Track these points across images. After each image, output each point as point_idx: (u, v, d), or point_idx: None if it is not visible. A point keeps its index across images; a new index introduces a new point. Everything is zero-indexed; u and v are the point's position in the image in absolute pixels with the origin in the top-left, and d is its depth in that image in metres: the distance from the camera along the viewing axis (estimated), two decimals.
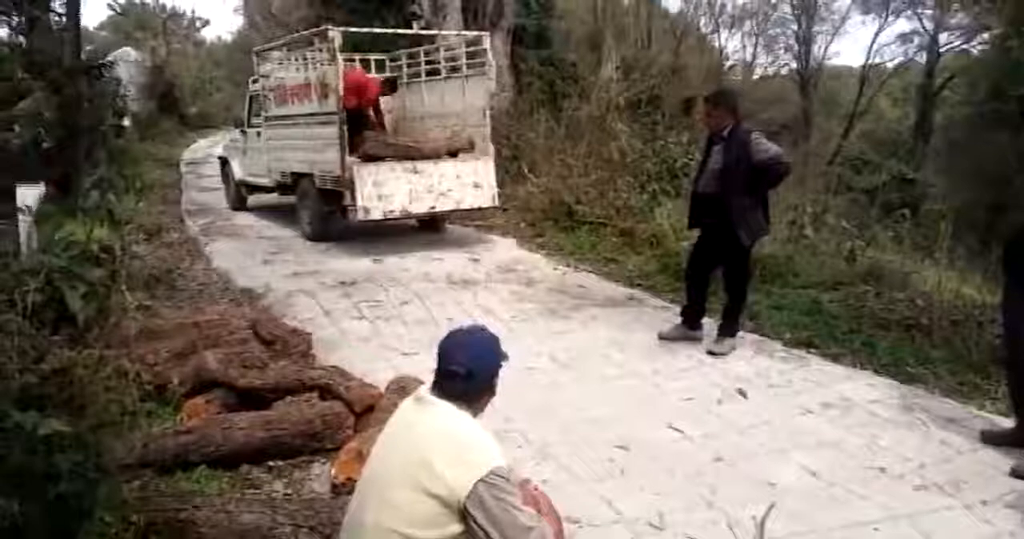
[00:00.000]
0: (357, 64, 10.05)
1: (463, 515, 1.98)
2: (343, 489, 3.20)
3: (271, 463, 3.65)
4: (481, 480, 1.96)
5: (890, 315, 5.64)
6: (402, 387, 3.90)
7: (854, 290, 6.26)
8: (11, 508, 2.30)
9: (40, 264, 3.47)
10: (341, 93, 8.08)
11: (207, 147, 20.69)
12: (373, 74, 10.11)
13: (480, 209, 8.93)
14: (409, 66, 10.33)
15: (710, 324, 5.41)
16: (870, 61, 30.43)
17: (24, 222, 4.72)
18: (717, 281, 5.41)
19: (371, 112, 9.61)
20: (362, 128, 8.92)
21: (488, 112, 8.95)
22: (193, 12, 41.31)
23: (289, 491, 3.44)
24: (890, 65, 31.36)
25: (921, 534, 3.03)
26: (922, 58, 29.13)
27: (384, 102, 10.02)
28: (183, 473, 3.47)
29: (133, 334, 4.38)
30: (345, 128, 8.14)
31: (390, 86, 9.74)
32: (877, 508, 3.22)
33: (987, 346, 4.98)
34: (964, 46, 26.45)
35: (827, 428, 4.01)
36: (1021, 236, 3.83)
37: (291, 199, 9.95)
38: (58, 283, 3.44)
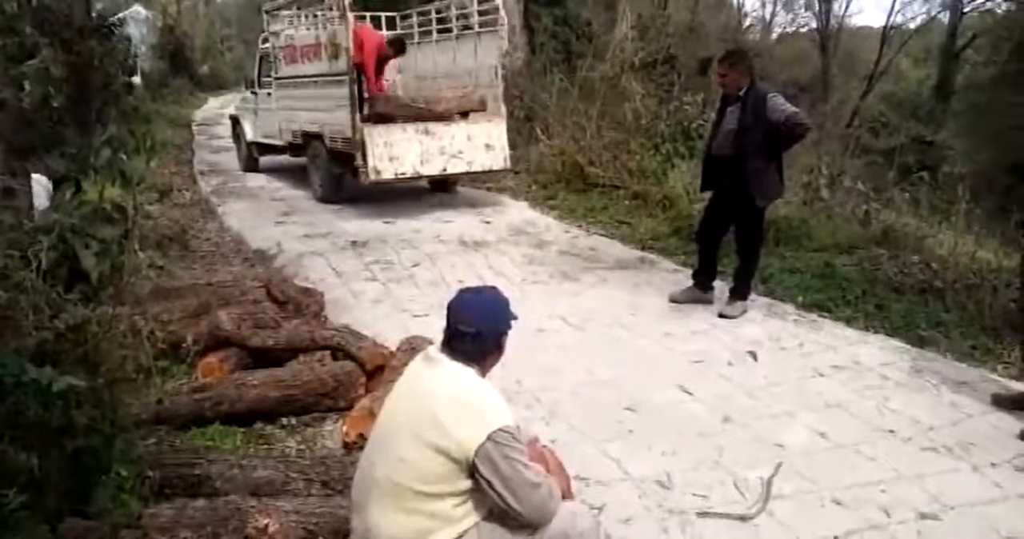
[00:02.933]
0: (367, 22, 9.90)
1: (472, 471, 2.01)
2: (354, 446, 3.24)
3: (284, 420, 3.71)
4: (489, 438, 1.98)
5: (904, 279, 5.61)
6: (413, 347, 3.93)
7: (868, 253, 6.22)
8: (29, 462, 2.34)
9: (53, 222, 3.49)
10: (352, 52, 7.98)
11: (219, 108, 20.62)
12: (383, 32, 9.79)
13: (492, 171, 8.87)
14: (420, 24, 10.18)
15: (722, 287, 5.39)
16: (891, 20, 29.74)
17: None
18: (729, 244, 5.38)
19: (370, 71, 8.76)
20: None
21: (500, 72, 8.83)
22: None
23: (302, 448, 3.49)
24: (912, 24, 30.65)
25: (928, 495, 3.05)
26: (945, 17, 28.43)
27: (394, 63, 9.82)
28: (197, 429, 3.53)
29: (146, 293, 4.41)
30: (356, 88, 8.06)
31: (397, 47, 8.93)
32: (885, 469, 3.24)
33: (1001, 310, 4.95)
34: (988, 5, 25.77)
35: (837, 390, 4.01)
36: None
37: (303, 160, 9.93)
38: (71, 241, 3.46)
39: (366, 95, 8.44)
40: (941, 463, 3.31)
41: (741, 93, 4.85)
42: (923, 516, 2.92)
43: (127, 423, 2.90)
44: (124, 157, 3.95)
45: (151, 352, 3.67)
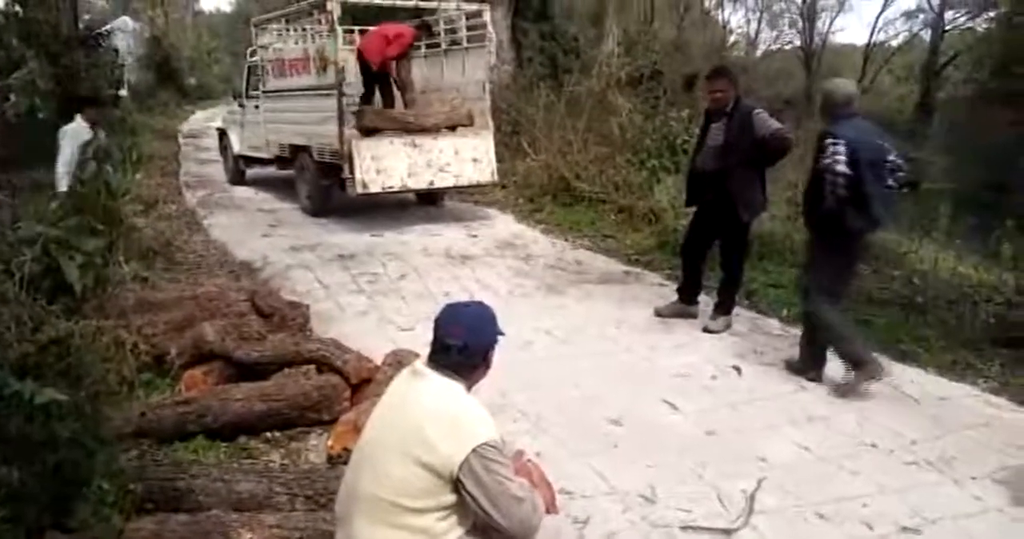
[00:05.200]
0: (356, 36, 9.94)
1: (456, 486, 2.01)
2: (339, 460, 3.23)
3: (268, 434, 3.68)
4: (473, 452, 1.98)
5: (886, 293, 5.67)
6: (398, 360, 3.93)
7: None
8: (10, 475, 2.32)
9: (37, 234, 3.47)
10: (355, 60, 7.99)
11: (205, 120, 20.56)
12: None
13: (479, 184, 8.90)
14: None
15: (706, 301, 5.42)
16: (874, 38, 30.25)
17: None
18: (714, 258, 5.41)
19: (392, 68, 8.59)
20: (380, 91, 8.58)
21: (488, 86, 8.89)
22: None
23: (286, 461, 3.47)
24: (894, 42, 31.17)
25: (910, 509, 3.07)
26: (927, 35, 28.91)
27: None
28: (181, 443, 3.50)
29: (130, 305, 4.39)
30: (344, 101, 8.08)
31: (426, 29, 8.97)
32: (867, 483, 3.26)
33: (982, 325, 5.00)
34: (969, 24, 26.23)
35: (820, 404, 4.04)
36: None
37: (290, 172, 9.92)
38: (55, 253, 3.44)
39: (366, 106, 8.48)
40: (923, 477, 3.34)
41: (728, 109, 4.91)
42: (905, 529, 2.94)
43: (110, 436, 2.88)
44: (110, 169, 3.94)
45: (135, 365, 3.66)
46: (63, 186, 6.09)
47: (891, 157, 4.11)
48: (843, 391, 4.15)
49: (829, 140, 3.99)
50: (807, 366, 4.40)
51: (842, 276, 4.30)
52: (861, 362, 4.14)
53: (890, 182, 4.11)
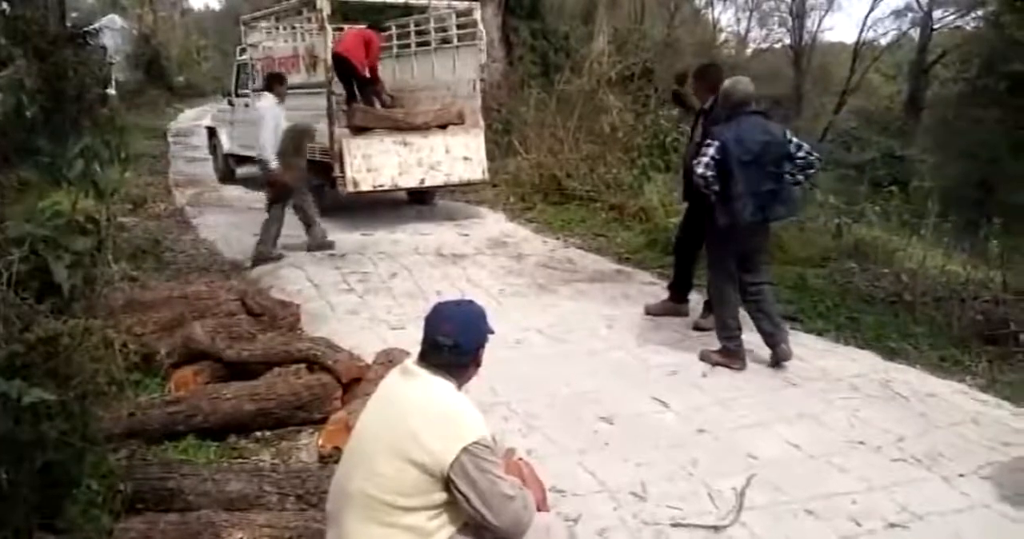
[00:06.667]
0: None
1: (447, 484, 2.01)
2: (330, 459, 3.23)
3: (258, 433, 3.69)
4: (464, 450, 1.99)
5: (875, 291, 5.70)
6: (389, 360, 3.92)
7: (840, 266, 6.31)
8: None
9: (24, 234, 3.44)
10: (332, 62, 7.98)
11: (195, 118, 20.46)
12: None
13: (470, 183, 8.90)
14: (399, 37, 10.20)
15: (697, 299, 5.43)
16: (863, 37, 30.34)
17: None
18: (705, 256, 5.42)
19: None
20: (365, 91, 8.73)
21: (478, 84, 8.88)
22: None
23: (276, 461, 3.47)
24: (883, 41, 31.27)
25: (898, 505, 3.09)
26: (915, 34, 29.03)
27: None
28: (170, 443, 3.50)
29: (120, 305, 4.37)
30: (334, 100, 8.07)
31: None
32: (855, 480, 3.28)
33: (969, 322, 5.04)
34: (958, 22, 26.35)
35: (809, 401, 4.07)
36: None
37: None
38: (43, 253, 3.41)
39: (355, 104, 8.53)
40: (911, 473, 3.36)
41: (707, 107, 4.92)
42: (892, 525, 2.96)
43: (98, 437, 2.86)
44: (98, 168, 3.91)
45: (124, 365, 3.62)
46: (274, 163, 6.68)
47: (800, 154, 4.32)
48: (703, 355, 4.57)
49: (708, 140, 4.25)
50: (776, 350, 4.48)
51: (724, 265, 4.52)
52: (731, 353, 4.48)
53: (799, 177, 4.44)
